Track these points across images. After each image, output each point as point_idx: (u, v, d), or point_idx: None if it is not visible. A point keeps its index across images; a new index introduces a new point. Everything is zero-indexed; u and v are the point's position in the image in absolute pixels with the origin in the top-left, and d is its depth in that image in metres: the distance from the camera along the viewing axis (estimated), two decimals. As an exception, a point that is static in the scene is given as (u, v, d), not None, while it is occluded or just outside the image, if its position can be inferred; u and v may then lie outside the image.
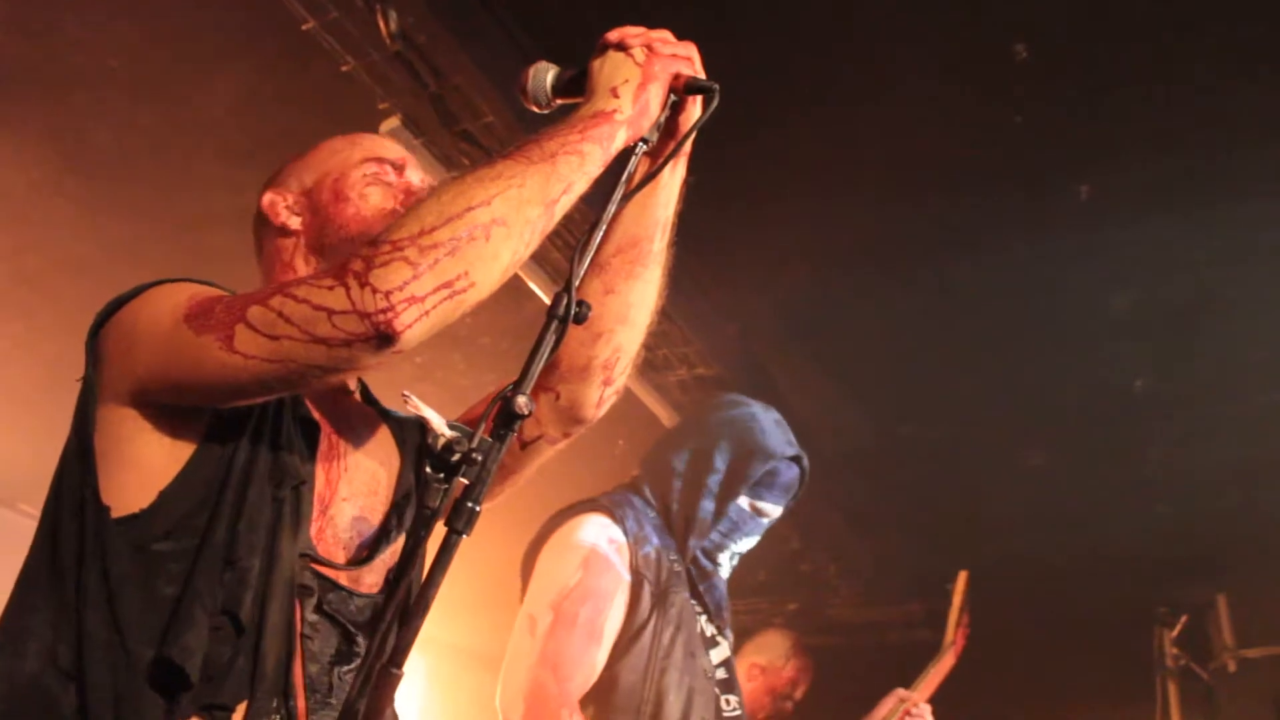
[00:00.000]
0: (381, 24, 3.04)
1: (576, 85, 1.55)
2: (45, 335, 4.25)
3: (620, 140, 1.45)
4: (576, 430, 1.75)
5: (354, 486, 1.55)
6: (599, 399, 1.72)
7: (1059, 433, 4.41)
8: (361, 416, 1.66)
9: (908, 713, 2.98)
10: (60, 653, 1.30)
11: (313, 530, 1.45)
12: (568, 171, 1.37)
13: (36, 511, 1.44)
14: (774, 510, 2.68)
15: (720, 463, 2.60)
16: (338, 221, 1.63)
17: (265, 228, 1.68)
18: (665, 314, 4.06)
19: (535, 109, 1.61)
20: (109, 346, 1.42)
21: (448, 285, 1.26)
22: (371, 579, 1.52)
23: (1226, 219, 3.42)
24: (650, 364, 4.22)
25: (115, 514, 1.35)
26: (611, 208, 1.41)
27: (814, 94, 3.26)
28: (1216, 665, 5.00)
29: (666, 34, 1.55)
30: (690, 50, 1.56)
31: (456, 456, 1.23)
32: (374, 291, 1.24)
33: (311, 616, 1.42)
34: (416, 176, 1.71)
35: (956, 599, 3.38)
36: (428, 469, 1.26)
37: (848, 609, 5.73)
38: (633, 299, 1.68)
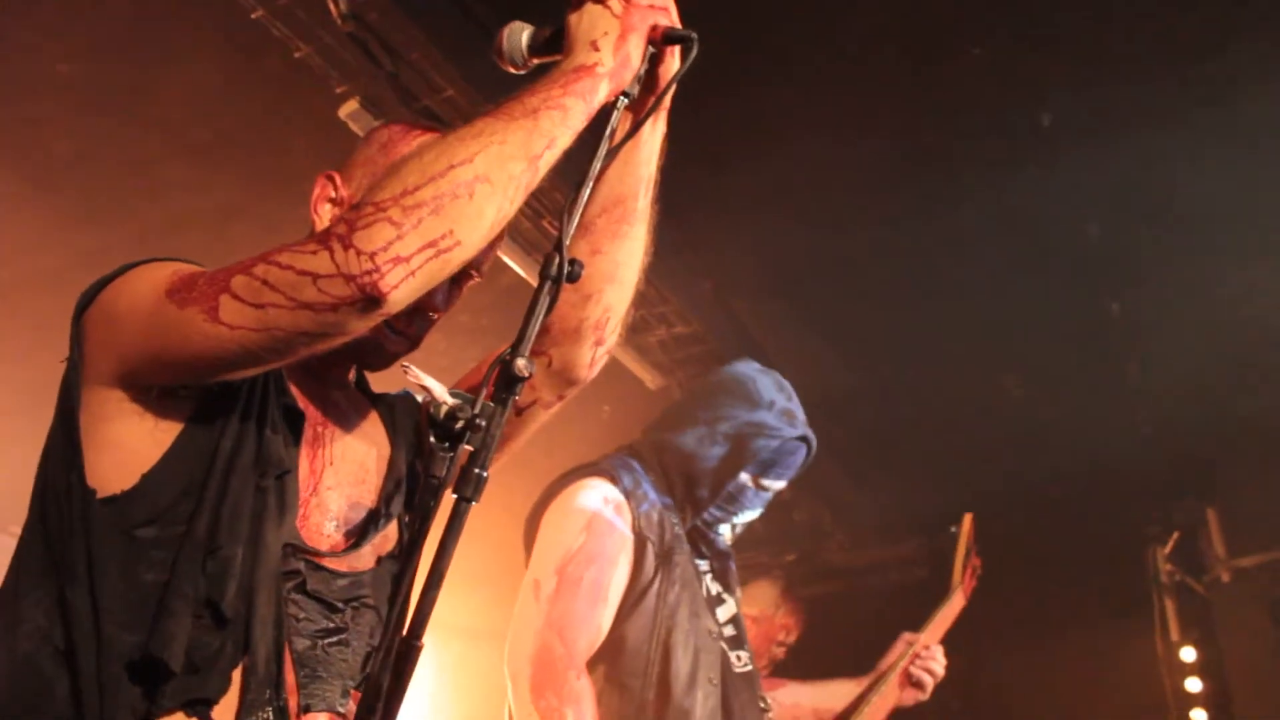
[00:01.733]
0: (331, 5, 3.01)
1: (553, 43, 1.52)
2: (18, 352, 4.20)
3: (603, 93, 1.44)
4: (570, 392, 1.74)
5: (340, 475, 1.53)
6: (591, 359, 1.71)
7: (1038, 360, 4.44)
8: (351, 404, 1.64)
9: (917, 655, 2.98)
10: (55, 634, 1.29)
11: (298, 519, 1.44)
12: (550, 126, 1.36)
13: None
14: (777, 484, 2.67)
15: (722, 431, 2.58)
16: None
17: (316, 200, 1.61)
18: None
19: (512, 69, 1.58)
20: (92, 327, 1.40)
21: (432, 244, 1.25)
22: (358, 563, 1.50)
23: (1185, 135, 3.43)
24: (629, 326, 4.21)
25: (100, 495, 1.33)
26: (597, 164, 1.39)
27: (774, 44, 3.25)
28: (1211, 578, 5.08)
29: None
30: (668, 1, 1.55)
31: (460, 424, 1.22)
32: (358, 253, 1.22)
33: (295, 596, 1.40)
34: None
35: (963, 541, 3.39)
36: (432, 439, 1.23)
37: (846, 554, 5.77)
38: (620, 258, 1.66)
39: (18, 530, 1.43)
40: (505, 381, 1.23)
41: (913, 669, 2.95)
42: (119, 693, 1.26)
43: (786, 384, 2.70)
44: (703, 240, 3.98)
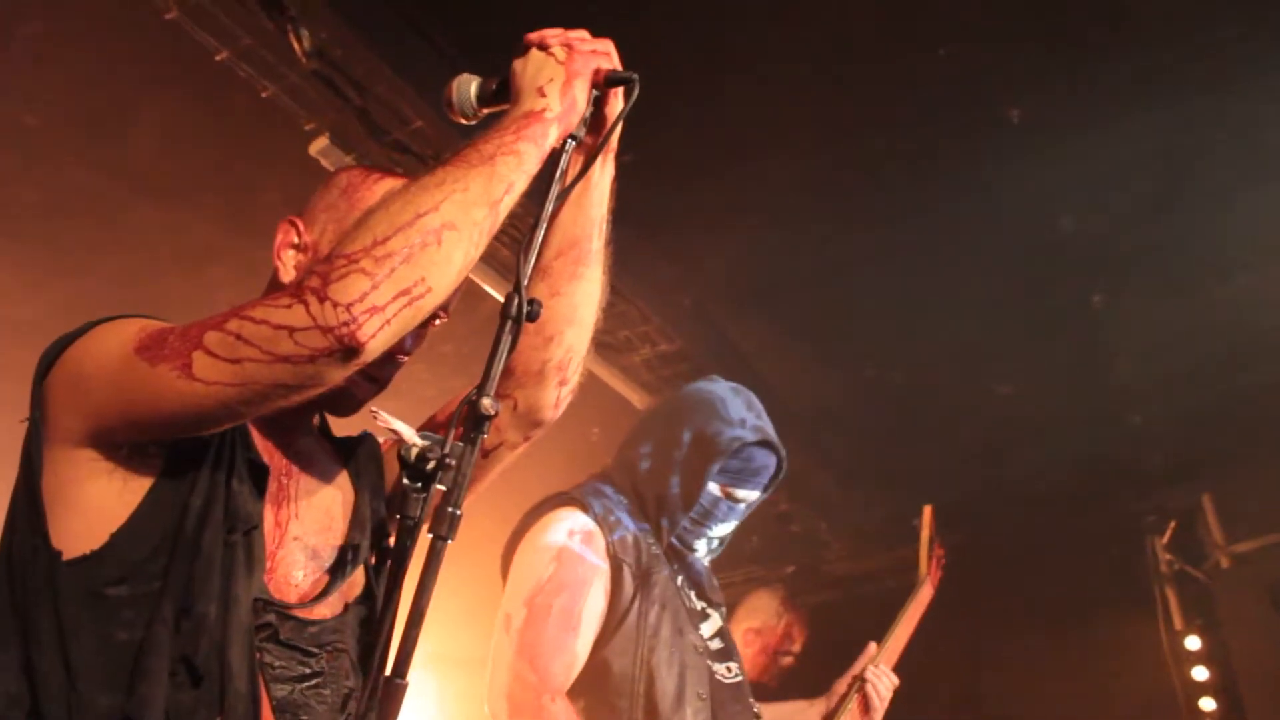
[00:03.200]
0: (295, 44, 3.00)
1: (501, 93, 1.59)
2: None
3: (552, 137, 1.49)
4: (536, 433, 1.77)
5: (305, 524, 1.55)
6: (556, 400, 1.75)
7: (1024, 357, 4.43)
8: (315, 450, 1.66)
9: (865, 679, 2.91)
10: (24, 699, 1.28)
11: (266, 572, 1.45)
12: (507, 172, 1.41)
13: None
14: (749, 496, 2.63)
15: (685, 438, 2.57)
16: None
17: (280, 247, 1.63)
18: (620, 295, 4.11)
19: (462, 120, 1.64)
20: (57, 389, 1.40)
21: (405, 292, 1.28)
22: (326, 610, 1.51)
23: (1159, 123, 3.44)
24: (612, 348, 4.22)
25: (66, 556, 1.32)
26: (550, 204, 1.48)
27: (735, 55, 3.26)
28: (1210, 564, 5.07)
29: (583, 33, 1.60)
30: (608, 46, 1.61)
31: (431, 464, 1.27)
32: (334, 305, 1.25)
33: (269, 646, 1.42)
34: None
35: (925, 533, 3.42)
36: (405, 480, 1.28)
37: (843, 563, 5.76)
38: (578, 299, 1.71)
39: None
40: (473, 421, 1.29)
41: (868, 691, 2.89)
42: None
43: (756, 402, 2.68)
44: (679, 256, 3.99)
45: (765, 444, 2.60)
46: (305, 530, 1.54)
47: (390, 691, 1.20)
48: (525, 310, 1.37)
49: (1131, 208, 3.74)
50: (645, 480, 2.57)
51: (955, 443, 4.87)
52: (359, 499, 1.64)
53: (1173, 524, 5.12)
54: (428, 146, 3.31)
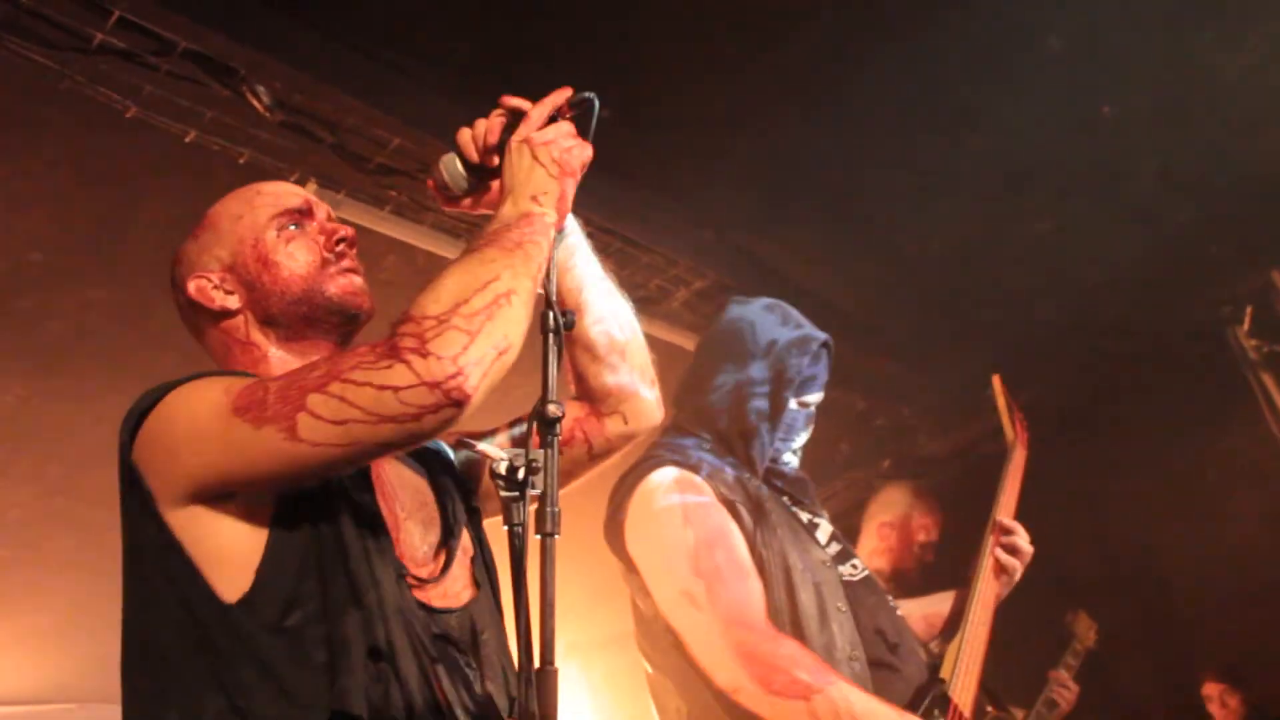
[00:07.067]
0: (255, 102, 2.99)
1: (484, 170, 1.74)
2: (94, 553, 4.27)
3: (552, 234, 1.63)
4: (650, 428, 1.99)
5: (408, 506, 1.65)
6: (657, 398, 1.98)
7: (1056, 193, 4.31)
8: None
9: (998, 543, 2.82)
10: None
11: (396, 552, 1.55)
12: (536, 254, 1.55)
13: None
14: (817, 398, 2.67)
15: (759, 374, 2.56)
16: (278, 288, 1.68)
17: (202, 314, 1.70)
18: (639, 247, 4.06)
19: (458, 194, 1.78)
20: (150, 458, 1.45)
21: (495, 346, 1.40)
22: (455, 589, 1.62)
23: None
24: (649, 300, 4.19)
25: (231, 602, 1.40)
26: (553, 283, 1.62)
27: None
28: (1298, 338, 4.94)
29: (567, 130, 1.71)
30: (586, 149, 1.73)
31: (522, 473, 1.40)
32: (439, 359, 1.35)
33: (426, 639, 1.50)
34: (323, 211, 1.79)
35: (1000, 400, 3.41)
36: (502, 493, 1.41)
37: (936, 442, 5.70)
38: (622, 313, 1.95)
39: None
40: (545, 425, 1.42)
41: (998, 554, 2.80)
42: None
43: (788, 307, 2.71)
44: (689, 192, 3.93)
45: (817, 344, 2.63)
46: (410, 510, 1.65)
47: (545, 679, 1.29)
48: (561, 321, 1.53)
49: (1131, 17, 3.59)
50: (724, 418, 2.55)
51: (1008, 292, 4.77)
52: (430, 472, 1.75)
53: (1249, 309, 4.99)
54: (412, 161, 3.30)
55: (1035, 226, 4.48)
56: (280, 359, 1.66)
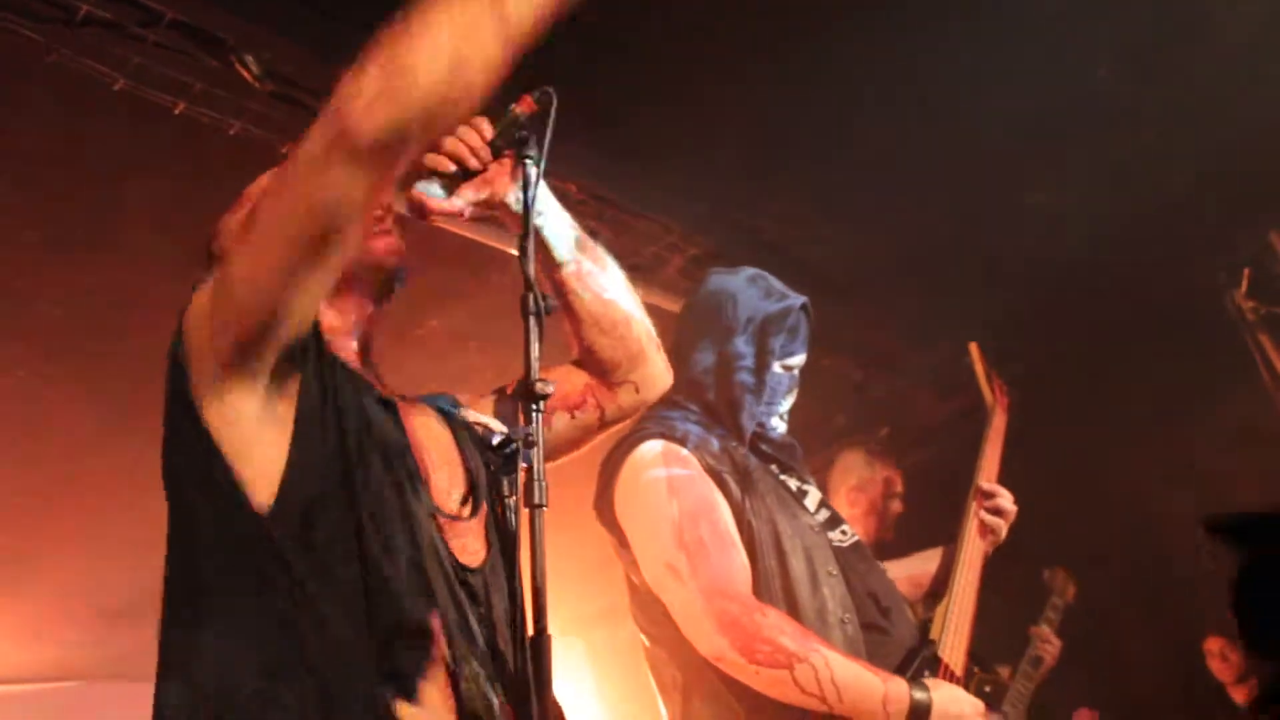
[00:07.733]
0: (244, 73, 2.97)
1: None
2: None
3: None
4: (662, 392, 2.08)
5: (434, 453, 1.70)
6: (665, 363, 2.05)
7: (1044, 161, 4.28)
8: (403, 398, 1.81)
9: (982, 506, 2.87)
10: (283, 659, 1.38)
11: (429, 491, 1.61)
12: None
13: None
14: (800, 360, 2.68)
15: (743, 347, 2.56)
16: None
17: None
18: (631, 214, 4.03)
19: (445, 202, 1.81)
20: (186, 347, 1.52)
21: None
22: (474, 546, 1.63)
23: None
24: (643, 269, 4.17)
25: (262, 512, 1.43)
26: (531, 220, 1.70)
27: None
28: (1297, 296, 4.93)
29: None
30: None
31: (514, 446, 1.53)
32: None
33: (456, 582, 1.54)
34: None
35: (979, 367, 3.46)
36: (492, 467, 1.52)
37: (933, 410, 5.70)
38: (621, 283, 2.00)
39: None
40: (531, 400, 1.51)
41: (983, 515, 2.86)
42: (377, 658, 1.40)
43: (769, 276, 2.72)
44: (684, 160, 3.91)
45: (796, 310, 2.65)
46: (440, 459, 1.70)
47: (539, 645, 1.35)
48: (543, 305, 1.61)
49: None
50: (710, 388, 2.55)
51: (1004, 259, 4.75)
52: (452, 429, 1.79)
53: (1246, 271, 4.98)
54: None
55: (1031, 192, 4.45)
56: (322, 316, 1.68)
